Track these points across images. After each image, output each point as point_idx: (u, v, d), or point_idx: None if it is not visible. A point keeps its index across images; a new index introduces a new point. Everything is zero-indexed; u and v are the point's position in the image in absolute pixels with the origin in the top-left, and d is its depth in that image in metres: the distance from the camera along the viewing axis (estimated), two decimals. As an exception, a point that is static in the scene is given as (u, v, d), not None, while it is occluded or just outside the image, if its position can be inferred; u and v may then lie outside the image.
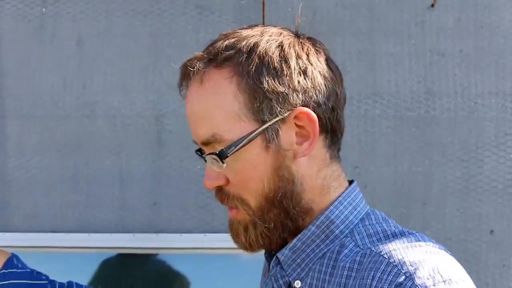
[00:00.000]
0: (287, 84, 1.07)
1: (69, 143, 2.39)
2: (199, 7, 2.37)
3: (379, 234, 1.09)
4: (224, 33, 1.12)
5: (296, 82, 1.07)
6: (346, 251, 1.08)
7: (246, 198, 1.10)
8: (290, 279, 1.12)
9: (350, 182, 1.17)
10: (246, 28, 1.12)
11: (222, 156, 1.06)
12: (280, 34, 1.11)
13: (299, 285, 1.11)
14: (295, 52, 1.08)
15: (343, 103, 1.14)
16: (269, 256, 1.17)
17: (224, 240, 2.15)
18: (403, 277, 0.99)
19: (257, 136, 1.07)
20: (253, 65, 1.06)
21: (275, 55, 1.07)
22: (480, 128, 2.28)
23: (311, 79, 1.08)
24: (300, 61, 1.08)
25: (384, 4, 2.32)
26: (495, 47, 2.29)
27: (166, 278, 2.37)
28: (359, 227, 1.11)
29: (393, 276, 1.00)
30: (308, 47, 1.11)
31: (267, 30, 1.11)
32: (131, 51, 2.39)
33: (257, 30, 1.11)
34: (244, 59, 1.07)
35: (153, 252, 2.35)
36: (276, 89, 1.06)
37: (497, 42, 2.29)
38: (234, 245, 1.16)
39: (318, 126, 1.08)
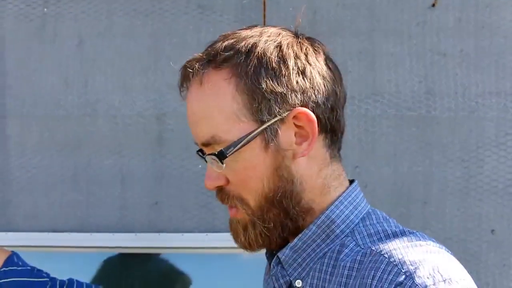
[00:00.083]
0: (285, 85, 1.07)
1: (70, 143, 2.40)
2: (201, 7, 2.38)
3: (379, 233, 1.10)
4: (224, 34, 1.12)
5: (294, 82, 1.07)
6: (346, 250, 1.09)
7: (246, 198, 1.10)
8: (291, 279, 1.12)
9: (351, 181, 1.17)
10: (246, 29, 1.12)
11: (221, 156, 1.07)
12: (279, 34, 1.11)
13: (300, 284, 1.11)
14: (293, 52, 1.09)
15: (342, 102, 1.15)
16: (270, 255, 1.18)
17: (226, 240, 2.16)
18: (403, 276, 0.99)
19: (256, 137, 1.07)
20: (251, 66, 1.07)
21: (273, 55, 1.07)
22: (481, 128, 2.29)
23: (310, 79, 1.09)
24: (298, 61, 1.08)
25: (384, 4, 2.33)
26: (496, 47, 2.29)
27: (168, 277, 2.38)
28: (359, 226, 1.11)
29: (393, 276, 1.00)
30: (307, 47, 1.11)
31: (266, 30, 1.11)
32: (132, 50, 2.39)
33: (256, 31, 1.11)
34: (242, 60, 1.07)
35: (155, 251, 2.35)
36: (274, 90, 1.06)
37: (497, 42, 2.29)
38: (235, 245, 1.16)
39: (317, 126, 1.08)
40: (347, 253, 1.08)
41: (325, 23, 2.33)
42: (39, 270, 1.67)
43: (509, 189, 2.28)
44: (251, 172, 1.08)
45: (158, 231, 2.34)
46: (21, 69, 2.43)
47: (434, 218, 2.29)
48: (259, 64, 1.07)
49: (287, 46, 1.09)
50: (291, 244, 1.11)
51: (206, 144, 1.10)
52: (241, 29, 1.12)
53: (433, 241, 1.09)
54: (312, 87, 1.09)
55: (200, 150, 1.14)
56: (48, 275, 1.67)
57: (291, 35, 1.12)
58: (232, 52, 1.08)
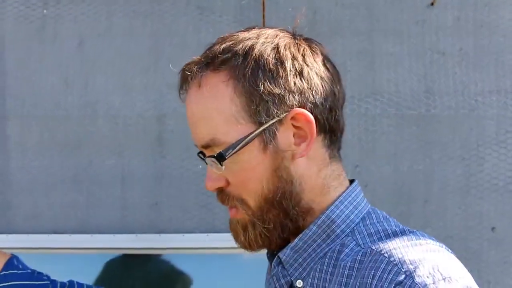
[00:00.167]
0: (283, 86, 1.07)
1: (70, 144, 2.40)
2: (200, 8, 2.38)
3: (379, 233, 1.10)
4: (222, 36, 1.13)
5: (292, 84, 1.08)
6: (347, 250, 1.09)
7: (245, 199, 1.11)
8: (292, 279, 1.12)
9: (351, 181, 1.17)
10: (243, 31, 1.13)
11: (220, 158, 1.07)
12: (276, 36, 1.11)
13: (301, 284, 1.11)
14: (290, 53, 1.09)
15: (341, 102, 1.15)
16: (271, 256, 1.18)
17: (226, 240, 2.16)
18: (403, 275, 1.00)
19: (254, 138, 1.07)
20: (249, 68, 1.07)
21: (270, 57, 1.08)
22: (481, 126, 2.29)
23: (307, 80, 1.09)
24: (296, 63, 1.09)
25: (383, 3, 2.33)
26: (495, 46, 2.29)
27: (169, 278, 2.38)
28: (360, 226, 1.12)
29: (393, 275, 1.00)
30: (304, 48, 1.11)
31: (264, 32, 1.12)
32: (132, 51, 2.40)
33: (253, 33, 1.11)
34: (240, 62, 1.08)
35: (156, 252, 2.36)
36: (272, 91, 1.07)
37: (496, 41, 2.29)
38: (236, 245, 1.16)
39: (316, 126, 1.09)
40: (347, 253, 1.08)
41: (325, 23, 2.34)
42: (39, 273, 1.66)
43: (510, 187, 2.28)
44: (250, 173, 1.09)
45: (158, 231, 2.35)
46: (21, 69, 2.43)
47: (435, 216, 2.29)
48: (256, 66, 1.07)
49: (284, 47, 1.09)
50: (291, 244, 1.11)
51: (206, 146, 1.10)
52: (239, 31, 1.13)
53: (433, 240, 1.09)
54: (310, 88, 1.09)
55: (201, 152, 1.14)
56: (48, 277, 1.66)
57: (289, 36, 1.12)
58: (229, 55, 1.08)
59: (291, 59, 1.09)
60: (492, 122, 2.28)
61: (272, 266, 1.15)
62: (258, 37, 1.10)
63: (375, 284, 1.01)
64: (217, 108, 1.08)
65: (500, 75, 2.29)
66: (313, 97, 1.09)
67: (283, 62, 1.08)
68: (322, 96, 1.10)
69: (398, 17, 2.32)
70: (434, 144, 2.29)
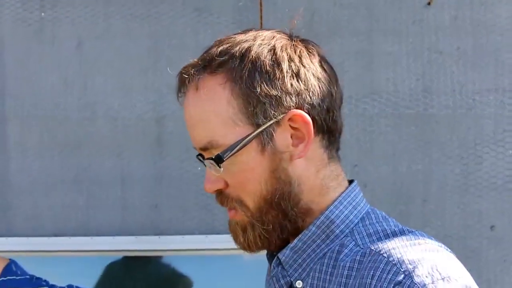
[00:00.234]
0: (279, 88, 1.08)
1: (70, 145, 2.40)
2: (198, 10, 2.38)
3: (379, 233, 1.10)
4: (219, 39, 1.13)
5: (289, 85, 1.08)
6: (346, 250, 1.09)
7: (244, 200, 1.11)
8: (292, 279, 1.12)
9: (350, 181, 1.18)
10: (240, 33, 1.13)
11: (218, 160, 1.08)
12: (273, 37, 1.11)
13: (301, 285, 1.11)
14: (287, 55, 1.09)
15: (339, 103, 1.15)
16: (271, 256, 1.18)
17: (226, 241, 2.16)
18: (402, 275, 1.00)
19: (252, 140, 1.08)
20: (245, 70, 1.07)
21: (267, 59, 1.08)
22: (479, 125, 2.29)
23: (304, 81, 1.09)
24: (292, 64, 1.09)
25: (381, 3, 2.33)
26: (492, 45, 2.29)
27: (169, 280, 2.38)
28: (359, 226, 1.12)
29: (392, 275, 1.00)
30: (301, 49, 1.12)
31: (260, 34, 1.12)
32: (131, 53, 2.40)
33: (250, 35, 1.12)
34: (237, 65, 1.08)
35: (156, 254, 2.36)
36: (269, 93, 1.07)
37: (494, 40, 2.29)
38: (235, 246, 1.17)
39: (313, 127, 1.09)
40: (346, 253, 1.09)
41: (323, 23, 2.34)
42: (38, 278, 1.64)
43: (508, 185, 2.29)
44: (249, 175, 1.09)
45: (158, 232, 2.35)
46: (20, 70, 2.43)
47: (434, 215, 2.29)
48: (253, 68, 1.08)
49: (281, 49, 1.10)
50: (291, 245, 1.12)
51: (204, 149, 1.11)
52: (236, 34, 1.13)
53: (432, 239, 1.09)
54: (307, 89, 1.09)
55: (200, 154, 1.15)
56: (47, 282, 1.65)
57: (285, 37, 1.13)
58: (226, 57, 1.09)
59: (288, 61, 1.09)
60: (490, 121, 2.28)
61: (272, 267, 1.16)
62: (255, 39, 1.11)
63: (374, 284, 1.01)
64: (214, 110, 1.08)
65: (498, 74, 2.29)
66: (310, 98, 1.09)
67: (280, 63, 1.08)
68: (319, 97, 1.10)
69: (396, 17, 2.33)
70: (433, 144, 2.30)
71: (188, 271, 2.34)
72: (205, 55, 1.12)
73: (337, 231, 1.11)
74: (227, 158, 1.07)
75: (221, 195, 1.13)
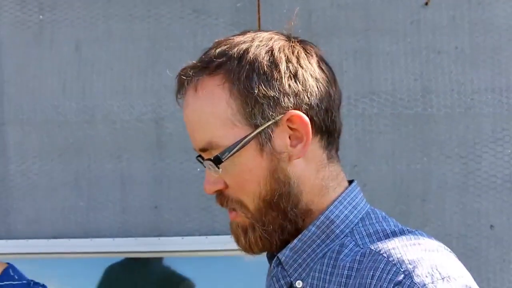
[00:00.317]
0: (277, 88, 1.08)
1: (70, 148, 2.40)
2: (196, 11, 2.38)
3: (378, 233, 1.10)
4: (217, 40, 1.13)
5: (286, 86, 1.08)
6: (346, 250, 1.09)
7: (244, 201, 1.11)
8: (292, 279, 1.12)
9: (350, 182, 1.18)
10: (239, 35, 1.13)
11: (217, 161, 1.08)
12: (271, 39, 1.12)
13: (301, 285, 1.11)
14: (285, 56, 1.10)
15: (337, 103, 1.15)
16: (271, 257, 1.18)
17: (226, 242, 2.16)
18: (402, 275, 1.00)
19: (250, 141, 1.08)
20: (243, 71, 1.08)
21: (265, 60, 1.09)
22: (477, 124, 2.29)
23: (302, 82, 1.09)
24: (290, 65, 1.09)
25: (379, 3, 2.33)
26: (490, 44, 2.30)
27: (169, 281, 2.38)
28: (359, 226, 1.12)
29: (392, 275, 1.01)
30: (299, 50, 1.12)
31: (258, 35, 1.12)
32: (129, 55, 2.40)
33: (248, 36, 1.12)
34: (235, 66, 1.08)
35: (156, 255, 2.36)
36: (266, 94, 1.07)
37: (492, 39, 2.30)
38: (236, 247, 1.17)
39: (312, 128, 1.09)
40: (346, 253, 1.09)
41: (321, 23, 2.34)
42: (36, 283, 1.63)
43: (508, 184, 2.29)
44: (247, 176, 1.09)
45: (158, 234, 2.35)
46: (19, 75, 2.44)
47: (434, 214, 2.29)
48: (251, 69, 1.08)
49: (279, 50, 1.10)
50: (291, 245, 1.12)
51: (203, 150, 1.11)
52: (234, 35, 1.14)
53: (432, 239, 1.10)
54: (305, 90, 1.09)
55: (200, 155, 1.15)
56: (45, 287, 1.64)
57: (283, 39, 1.13)
58: (225, 58, 1.09)
59: (286, 62, 1.09)
60: (488, 120, 2.29)
61: (272, 267, 1.16)
62: (252, 40, 1.11)
63: (374, 284, 1.01)
64: (213, 111, 1.09)
65: (496, 73, 2.29)
66: (308, 99, 1.10)
67: (278, 64, 1.09)
68: (318, 97, 1.10)
69: (394, 16, 2.33)
70: (432, 143, 2.30)
71: (189, 272, 2.35)
72: (203, 56, 1.12)
73: (337, 231, 1.11)
74: (226, 159, 1.08)
75: (221, 196, 1.13)
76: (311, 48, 1.14)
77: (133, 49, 2.40)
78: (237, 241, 1.15)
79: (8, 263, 1.65)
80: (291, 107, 1.08)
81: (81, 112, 2.41)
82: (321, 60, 1.14)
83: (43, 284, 1.65)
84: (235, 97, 1.08)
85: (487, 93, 2.29)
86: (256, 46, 1.10)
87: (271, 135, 1.09)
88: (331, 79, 1.14)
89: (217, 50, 1.11)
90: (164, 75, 2.36)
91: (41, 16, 2.44)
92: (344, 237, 1.11)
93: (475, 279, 1.05)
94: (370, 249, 1.07)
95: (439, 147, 2.30)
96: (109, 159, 2.39)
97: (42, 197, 2.40)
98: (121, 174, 2.38)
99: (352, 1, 2.34)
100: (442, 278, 1.00)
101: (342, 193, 1.14)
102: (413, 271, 1.00)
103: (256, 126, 1.08)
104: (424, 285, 0.99)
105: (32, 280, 1.64)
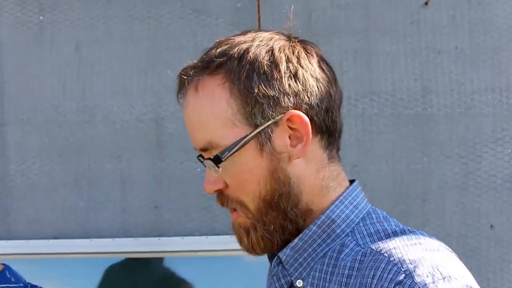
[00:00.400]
0: (277, 88, 1.08)
1: (70, 148, 2.41)
2: (196, 11, 2.39)
3: (379, 233, 1.10)
4: (218, 40, 1.14)
5: (286, 86, 1.08)
6: (347, 250, 1.09)
7: (244, 201, 1.11)
8: (292, 279, 1.12)
9: (351, 181, 1.18)
10: (239, 35, 1.14)
11: (217, 161, 1.08)
12: (271, 39, 1.12)
13: (301, 284, 1.12)
14: (285, 56, 1.10)
15: (338, 103, 1.15)
16: (272, 256, 1.18)
17: (226, 242, 2.16)
18: (403, 275, 1.00)
19: (250, 140, 1.08)
20: (243, 71, 1.08)
21: (265, 60, 1.09)
22: (477, 124, 2.29)
23: (302, 82, 1.10)
24: (290, 65, 1.10)
25: (379, 3, 2.33)
26: (490, 44, 2.30)
27: (170, 281, 2.38)
28: (360, 226, 1.12)
29: (393, 275, 1.01)
30: (299, 50, 1.12)
31: (259, 35, 1.12)
32: (129, 55, 2.40)
33: (249, 36, 1.12)
34: (235, 65, 1.09)
35: (156, 256, 2.36)
36: (266, 93, 1.08)
37: (492, 39, 2.30)
38: (236, 247, 1.17)
39: (312, 128, 1.09)
40: (347, 252, 1.09)
41: (321, 23, 2.34)
42: (33, 286, 1.62)
43: (508, 184, 2.29)
44: (247, 175, 1.09)
45: (158, 234, 2.35)
46: (19, 75, 2.44)
47: (434, 214, 2.29)
48: (251, 69, 1.08)
49: (279, 50, 1.10)
50: (291, 244, 1.12)
51: (204, 149, 1.11)
52: (235, 35, 1.14)
53: (433, 239, 1.10)
54: (305, 90, 1.10)
55: (201, 155, 1.15)
56: None
57: (284, 38, 1.13)
58: (225, 58, 1.09)
59: (286, 62, 1.10)
60: (488, 120, 2.29)
61: (272, 266, 1.16)
62: (253, 40, 1.11)
63: (375, 284, 1.01)
64: (213, 111, 1.09)
65: (496, 73, 2.29)
66: (309, 99, 1.10)
67: (278, 64, 1.09)
68: (318, 97, 1.11)
69: (394, 16, 2.33)
70: (432, 143, 2.30)
71: (189, 273, 2.34)
72: (204, 56, 1.13)
73: (338, 231, 1.11)
74: (226, 158, 1.08)
75: (221, 196, 1.14)
76: (312, 48, 1.15)
77: (133, 49, 2.40)
78: (240, 241, 1.15)
79: (4, 264, 1.63)
80: (291, 107, 1.09)
81: (81, 112, 2.41)
82: (322, 60, 1.14)
83: (41, 286, 1.64)
84: (235, 97, 1.08)
85: (487, 93, 2.29)
86: (257, 46, 1.10)
87: (271, 135, 1.09)
88: (332, 79, 1.14)
89: (218, 50, 1.11)
90: (164, 75, 2.37)
91: (41, 17, 2.44)
92: (345, 236, 1.11)
93: (475, 279, 1.05)
94: (371, 248, 1.07)
95: (439, 147, 2.30)
96: (109, 159, 2.39)
97: (42, 197, 2.40)
98: (121, 174, 2.38)
99: (352, 1, 2.34)
100: (443, 278, 1.00)
101: (343, 192, 1.14)
102: (414, 270, 1.00)
103: (256, 126, 1.08)
104: (425, 284, 0.99)
105: (29, 283, 1.63)
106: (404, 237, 1.08)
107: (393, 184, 2.30)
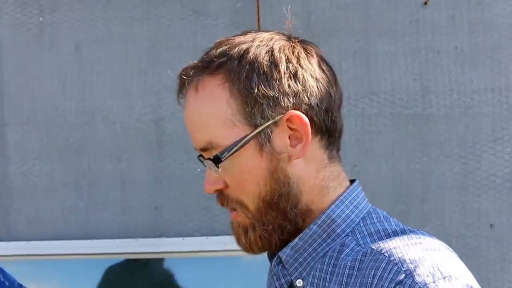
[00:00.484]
0: (277, 88, 1.08)
1: (70, 149, 2.41)
2: (196, 12, 2.39)
3: (380, 232, 1.10)
4: (218, 40, 1.14)
5: (286, 86, 1.09)
6: (347, 250, 1.09)
7: (244, 201, 1.11)
8: (292, 278, 1.12)
9: (352, 181, 1.18)
10: (240, 35, 1.14)
11: (216, 161, 1.08)
12: (271, 39, 1.12)
13: (301, 284, 1.11)
14: (285, 56, 1.10)
15: (338, 103, 1.15)
16: (272, 255, 1.18)
17: (226, 243, 2.16)
18: (403, 275, 1.00)
19: (250, 140, 1.08)
20: (243, 71, 1.08)
21: (265, 60, 1.09)
22: (477, 124, 2.30)
23: (302, 82, 1.10)
24: (290, 65, 1.10)
25: (378, 3, 2.34)
26: (490, 43, 2.30)
27: (170, 282, 2.38)
28: (360, 226, 1.12)
29: (393, 274, 1.01)
30: (299, 50, 1.12)
31: (259, 36, 1.13)
32: (129, 56, 2.41)
33: (249, 37, 1.12)
34: (235, 66, 1.09)
35: (156, 256, 2.36)
36: (266, 94, 1.08)
37: (491, 38, 2.30)
38: (236, 247, 1.17)
39: (312, 128, 1.09)
40: (348, 252, 1.09)
41: (320, 24, 2.34)
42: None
43: (507, 184, 2.29)
44: (247, 175, 1.09)
45: (158, 235, 2.35)
46: (19, 76, 2.44)
47: (433, 214, 2.29)
48: (251, 69, 1.08)
49: (279, 50, 1.10)
50: (292, 244, 1.12)
51: (204, 149, 1.12)
52: (235, 35, 1.14)
53: (433, 239, 1.10)
54: (305, 90, 1.10)
55: (201, 155, 1.15)
56: None
57: (284, 39, 1.13)
58: (225, 58, 1.10)
59: (285, 62, 1.10)
60: (488, 120, 2.29)
61: (272, 266, 1.16)
62: (253, 40, 1.11)
63: (376, 284, 1.01)
64: (213, 111, 1.09)
65: (495, 72, 2.29)
66: (308, 99, 1.10)
67: (277, 64, 1.09)
68: (318, 97, 1.11)
69: (393, 16, 2.33)
70: (431, 143, 2.30)
71: (189, 273, 2.35)
72: (204, 56, 1.13)
73: (338, 230, 1.11)
74: (225, 159, 1.08)
75: (221, 196, 1.14)
76: (312, 48, 1.15)
77: (133, 49, 2.40)
78: (238, 240, 1.15)
79: None
80: (290, 107, 1.09)
81: (81, 112, 2.41)
82: (322, 60, 1.14)
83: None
84: (235, 97, 1.08)
85: (487, 93, 2.29)
86: (257, 46, 1.10)
87: (270, 135, 1.09)
88: (332, 79, 1.14)
89: (218, 50, 1.11)
90: (164, 76, 2.37)
91: (41, 18, 2.44)
92: (345, 236, 1.11)
93: (475, 279, 1.05)
94: (372, 248, 1.07)
95: (439, 147, 2.30)
96: (109, 159, 2.39)
97: (42, 198, 2.40)
98: (121, 175, 2.39)
99: (351, 2, 2.34)
100: (444, 278, 1.00)
101: (343, 192, 1.14)
102: (415, 270, 1.00)
103: (256, 126, 1.08)
104: (425, 284, 0.99)
105: (22, 285, 1.61)
106: (405, 236, 1.08)
107: (392, 184, 2.30)
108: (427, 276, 1.00)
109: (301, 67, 1.11)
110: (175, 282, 2.37)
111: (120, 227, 2.38)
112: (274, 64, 1.09)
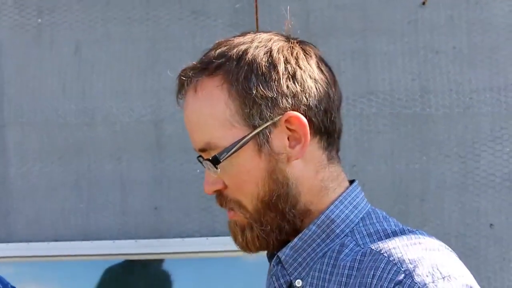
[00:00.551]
0: (275, 89, 1.08)
1: (70, 150, 2.41)
2: (195, 12, 2.39)
3: (379, 233, 1.10)
4: (218, 41, 1.14)
5: (285, 87, 1.09)
6: (346, 250, 1.09)
7: (242, 202, 1.11)
8: (291, 278, 1.12)
9: (351, 182, 1.18)
10: (239, 36, 1.14)
11: (215, 161, 1.08)
12: (270, 40, 1.12)
13: (300, 284, 1.12)
14: (283, 57, 1.10)
15: (337, 104, 1.16)
16: (271, 256, 1.19)
17: (226, 243, 2.16)
18: (403, 275, 1.00)
19: (249, 141, 1.08)
20: (242, 72, 1.08)
21: (263, 61, 1.09)
22: (476, 124, 2.30)
23: (301, 83, 1.10)
24: (288, 66, 1.10)
25: (376, 3, 2.34)
26: (488, 43, 2.30)
27: (170, 283, 2.38)
28: (359, 226, 1.12)
29: (392, 274, 1.01)
30: (298, 51, 1.12)
31: (258, 36, 1.13)
32: (129, 57, 2.41)
33: (248, 38, 1.13)
34: (233, 67, 1.09)
35: (156, 257, 2.36)
36: (264, 95, 1.08)
37: (489, 38, 2.30)
38: (235, 246, 1.17)
39: (311, 128, 1.09)
40: (347, 252, 1.09)
41: (319, 24, 2.35)
42: None
43: (506, 183, 2.29)
44: (245, 176, 1.10)
45: (158, 235, 2.35)
46: (19, 77, 2.44)
47: (433, 214, 2.30)
48: (249, 70, 1.09)
49: (277, 51, 1.10)
50: (291, 244, 1.12)
51: (203, 150, 1.12)
52: (234, 36, 1.14)
53: (433, 239, 1.10)
54: (303, 91, 1.10)
55: (200, 156, 1.16)
56: None
57: (283, 40, 1.13)
58: (224, 59, 1.10)
59: (284, 63, 1.10)
60: (487, 119, 2.29)
61: (272, 266, 1.16)
62: (252, 41, 1.12)
63: (375, 284, 1.02)
64: (212, 112, 1.09)
65: (494, 72, 2.30)
66: (307, 100, 1.10)
67: (276, 65, 1.09)
68: (316, 98, 1.11)
69: (391, 16, 2.33)
70: (430, 143, 2.30)
71: (189, 274, 2.34)
72: (203, 57, 1.13)
73: (338, 231, 1.12)
74: (224, 159, 1.08)
75: (220, 197, 1.14)
76: (311, 49, 1.15)
77: (132, 50, 2.40)
78: (235, 239, 1.16)
79: None
80: (289, 108, 1.09)
81: (81, 113, 2.41)
82: (321, 61, 1.15)
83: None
84: (233, 98, 1.09)
85: (485, 93, 2.30)
86: (255, 47, 1.10)
87: (269, 136, 1.09)
88: (331, 80, 1.15)
89: (217, 51, 1.11)
90: (163, 77, 2.37)
91: (39, 20, 2.44)
92: (344, 236, 1.11)
93: (474, 278, 1.05)
94: (371, 248, 1.07)
95: (438, 147, 2.30)
96: (109, 160, 2.39)
97: (42, 199, 2.40)
98: (121, 176, 2.39)
99: (350, 2, 2.34)
100: (443, 278, 1.00)
101: (342, 193, 1.14)
102: (414, 270, 1.00)
103: (254, 127, 1.08)
104: (425, 284, 0.99)
105: (13, 287, 1.60)
106: (404, 237, 1.08)
107: (392, 184, 2.30)
108: (427, 276, 1.00)
109: (300, 68, 1.11)
110: (175, 283, 2.37)
111: (120, 228, 2.38)
112: (272, 65, 1.09)
